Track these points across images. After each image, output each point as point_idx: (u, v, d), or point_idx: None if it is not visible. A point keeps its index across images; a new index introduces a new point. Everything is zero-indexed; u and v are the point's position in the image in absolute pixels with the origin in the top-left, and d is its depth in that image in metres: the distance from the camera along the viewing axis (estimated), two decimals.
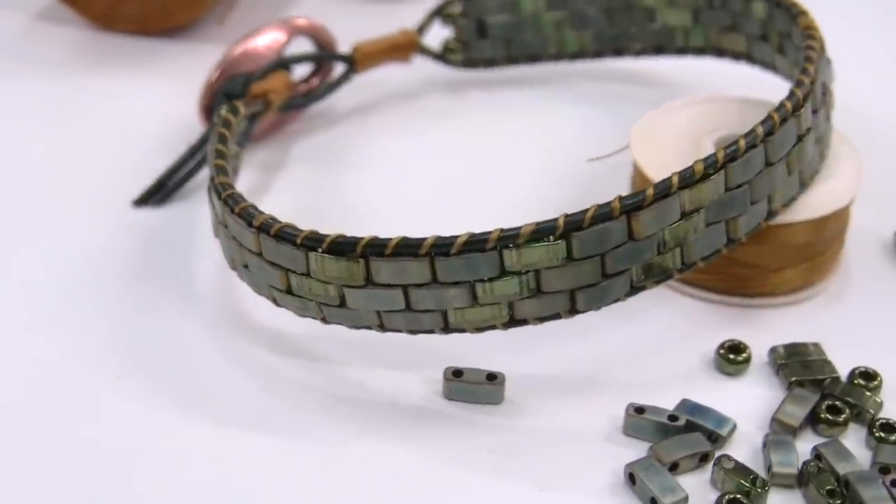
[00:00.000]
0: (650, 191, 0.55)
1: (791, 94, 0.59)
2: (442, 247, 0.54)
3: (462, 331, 0.56)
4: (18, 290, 0.63)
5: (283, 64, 0.71)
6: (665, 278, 0.57)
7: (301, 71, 0.74)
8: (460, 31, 0.76)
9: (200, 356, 0.60)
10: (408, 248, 0.54)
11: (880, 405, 0.58)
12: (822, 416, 0.57)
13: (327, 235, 0.55)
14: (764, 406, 0.58)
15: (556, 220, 0.54)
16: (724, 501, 0.53)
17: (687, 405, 0.57)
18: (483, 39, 0.76)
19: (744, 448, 0.56)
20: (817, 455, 0.55)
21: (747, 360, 0.60)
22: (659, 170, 0.63)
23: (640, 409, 0.57)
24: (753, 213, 0.59)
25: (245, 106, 0.67)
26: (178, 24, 0.81)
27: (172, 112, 0.75)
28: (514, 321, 0.56)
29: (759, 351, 0.61)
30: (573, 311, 0.56)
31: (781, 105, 0.59)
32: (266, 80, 0.70)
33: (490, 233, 0.54)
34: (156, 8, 0.80)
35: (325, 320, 0.57)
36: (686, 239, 0.57)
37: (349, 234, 0.55)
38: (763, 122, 0.58)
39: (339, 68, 0.74)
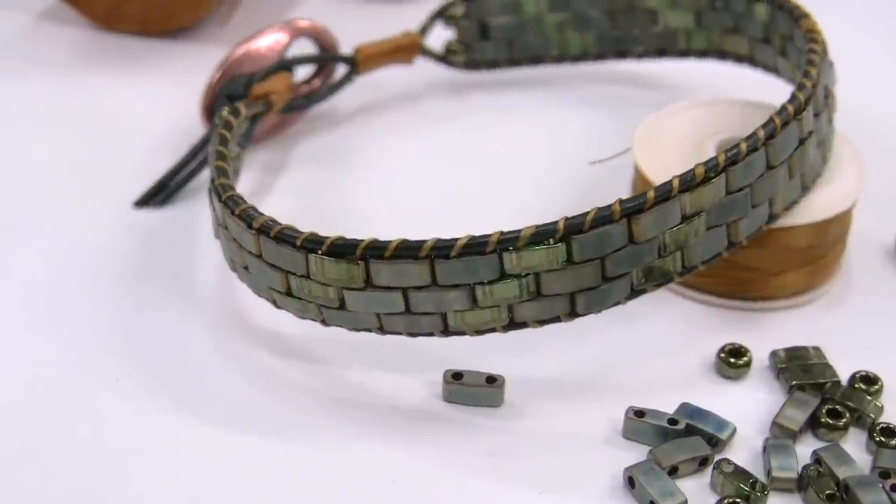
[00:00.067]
0: (651, 194, 0.55)
1: (793, 98, 0.59)
2: (442, 249, 0.54)
3: (462, 333, 0.56)
4: (18, 290, 0.63)
5: (284, 65, 0.71)
6: (665, 282, 0.57)
7: (303, 72, 0.74)
8: (462, 32, 0.76)
9: (200, 357, 0.60)
10: (407, 250, 0.54)
11: (881, 409, 0.58)
12: (823, 420, 0.57)
13: (327, 237, 0.55)
14: (764, 410, 0.58)
15: (556, 223, 0.54)
16: None
17: (687, 409, 0.57)
18: (485, 41, 0.76)
19: (744, 452, 0.56)
20: (817, 459, 0.55)
21: (748, 364, 0.60)
22: (660, 173, 0.63)
23: (639, 413, 0.57)
24: (754, 217, 0.59)
25: (246, 107, 0.67)
26: (180, 25, 0.81)
27: (174, 113, 0.75)
28: (513, 324, 0.56)
29: (759, 354, 0.61)
30: (573, 314, 0.56)
31: (783, 108, 0.59)
32: (268, 82, 0.70)
33: (490, 235, 0.54)
34: (158, 8, 0.80)
35: (324, 322, 0.57)
36: (687, 242, 0.57)
37: (350, 236, 0.55)
38: (764, 126, 0.58)
39: (340, 70, 0.74)
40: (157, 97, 0.77)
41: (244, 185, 0.69)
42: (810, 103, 0.60)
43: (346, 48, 0.75)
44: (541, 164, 0.72)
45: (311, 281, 0.56)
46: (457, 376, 0.58)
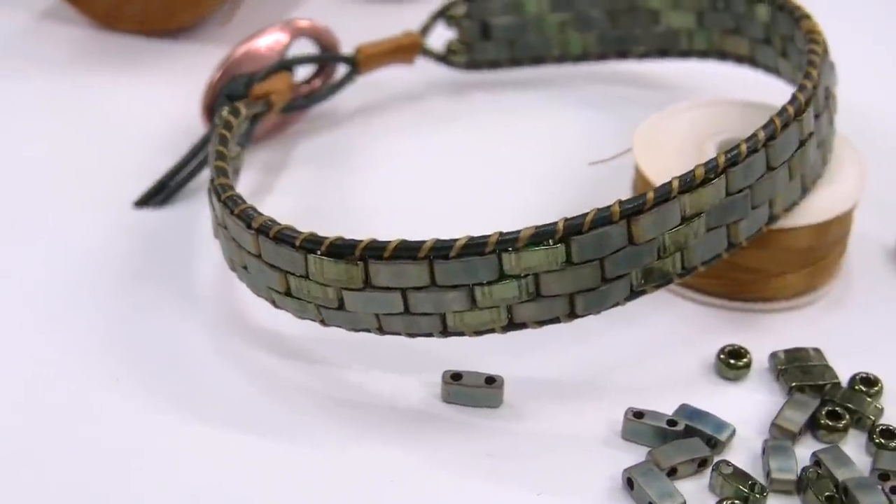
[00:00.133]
0: (650, 195, 0.55)
1: (793, 99, 0.59)
2: (441, 250, 0.54)
3: (461, 334, 0.56)
4: (18, 289, 0.63)
5: (285, 65, 0.71)
6: (665, 283, 0.57)
7: (303, 72, 0.74)
8: (464, 32, 0.76)
9: (199, 357, 0.60)
10: (406, 250, 0.54)
11: (881, 411, 0.58)
12: (822, 421, 0.57)
13: (326, 238, 0.55)
14: (764, 411, 0.58)
15: (555, 223, 0.54)
16: None
17: (686, 410, 0.57)
18: (487, 41, 0.76)
19: (743, 453, 0.56)
20: (816, 461, 0.55)
21: (747, 365, 0.60)
22: (661, 173, 0.63)
23: (638, 414, 0.56)
24: (754, 218, 0.58)
25: (246, 107, 0.67)
26: (180, 25, 0.81)
27: (174, 112, 0.75)
28: (512, 325, 0.56)
29: (759, 356, 0.61)
30: (572, 315, 0.56)
31: (783, 109, 0.59)
32: (268, 82, 0.70)
33: (489, 236, 0.54)
34: (158, 8, 0.80)
35: (323, 322, 0.57)
36: (686, 243, 0.56)
37: (351, 236, 0.55)
38: (765, 127, 0.58)
39: (341, 70, 0.74)
40: (158, 96, 0.77)
41: (245, 185, 0.69)
42: (811, 104, 0.60)
43: (346, 48, 0.74)
44: (542, 164, 0.72)
45: (310, 281, 0.56)
46: (456, 377, 0.58)
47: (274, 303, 0.58)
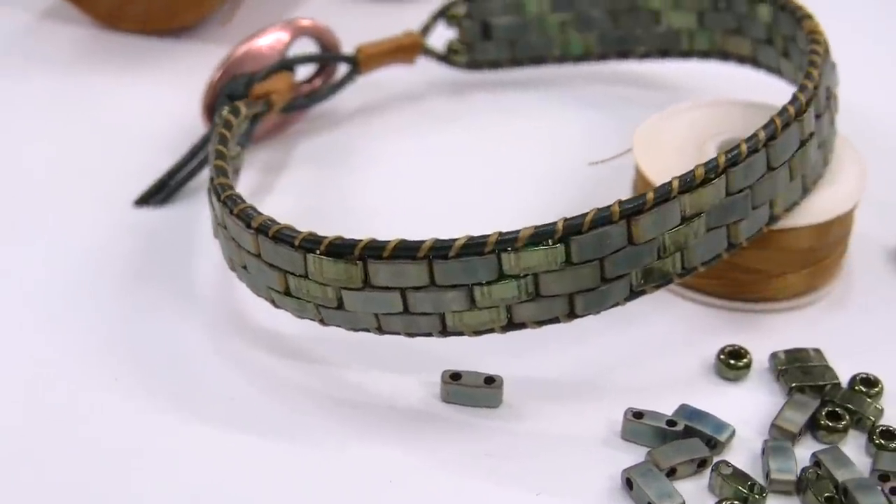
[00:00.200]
0: (650, 195, 0.55)
1: (794, 99, 0.59)
2: (440, 250, 0.54)
3: (460, 334, 0.56)
4: (19, 288, 0.63)
5: (286, 65, 0.71)
6: (665, 283, 0.57)
7: (304, 72, 0.74)
8: (464, 32, 0.76)
9: (199, 357, 0.60)
10: (406, 250, 0.54)
11: (881, 412, 0.58)
12: (822, 422, 0.57)
13: (325, 237, 0.55)
14: (764, 412, 0.58)
15: (554, 223, 0.54)
16: None
17: (686, 410, 0.57)
18: (487, 41, 0.76)
19: (743, 454, 0.56)
20: (816, 462, 0.55)
21: (747, 366, 0.60)
22: (661, 174, 0.62)
23: (638, 414, 0.56)
24: (755, 218, 0.58)
25: (247, 106, 0.67)
26: (183, 24, 0.81)
27: (176, 112, 0.75)
28: (512, 325, 0.56)
29: (760, 356, 0.60)
30: (572, 315, 0.56)
31: (784, 109, 0.58)
32: (269, 81, 0.70)
33: (488, 236, 0.54)
34: (161, 8, 0.80)
35: (323, 322, 0.57)
36: (686, 243, 0.56)
37: (351, 235, 0.55)
38: (765, 127, 0.57)
39: (342, 69, 0.74)
40: (159, 96, 0.77)
41: (245, 185, 0.69)
42: (812, 105, 0.60)
43: (347, 48, 0.74)
44: (542, 164, 0.72)
45: (310, 281, 0.56)
46: (455, 377, 0.58)
47: (273, 302, 0.58)
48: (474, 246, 0.54)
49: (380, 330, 0.56)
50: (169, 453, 0.56)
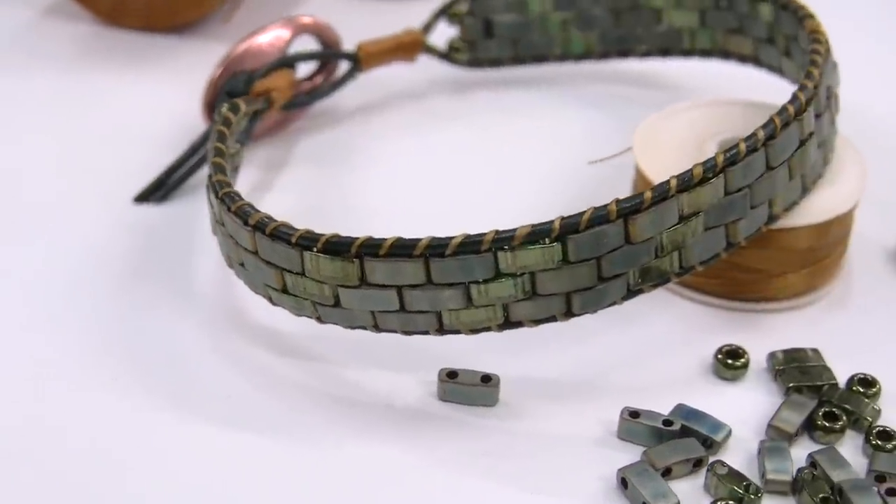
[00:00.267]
0: (648, 194, 0.55)
1: (794, 98, 0.59)
2: (437, 248, 0.54)
3: (457, 332, 0.56)
4: (18, 286, 0.63)
5: (286, 62, 0.71)
6: (663, 282, 0.57)
7: (305, 69, 0.74)
8: (466, 30, 0.76)
9: (197, 355, 0.60)
10: (402, 248, 0.54)
11: (878, 413, 0.58)
12: (819, 422, 0.57)
13: (322, 235, 0.55)
14: (761, 412, 0.58)
15: (551, 222, 0.54)
16: None
17: (682, 410, 0.57)
18: (489, 39, 0.76)
19: (739, 454, 0.56)
20: (812, 462, 0.55)
21: (745, 366, 0.59)
22: (660, 173, 0.62)
23: (634, 413, 0.56)
24: (753, 218, 0.58)
25: (246, 104, 0.67)
26: (184, 21, 0.81)
27: (178, 109, 0.75)
28: (508, 323, 0.56)
29: (759, 356, 0.60)
30: (569, 313, 0.56)
31: (783, 109, 0.58)
32: (269, 78, 0.69)
33: (485, 234, 0.54)
34: (162, 5, 0.80)
35: (320, 320, 0.57)
36: (684, 243, 0.56)
37: (352, 234, 0.55)
38: (764, 126, 0.57)
39: (343, 67, 0.74)
40: (161, 93, 0.77)
41: (246, 182, 0.69)
42: (811, 104, 0.59)
43: (348, 45, 0.74)
44: (543, 163, 0.72)
45: (307, 278, 0.56)
46: (452, 375, 0.58)
47: (271, 300, 0.58)
48: (471, 244, 0.54)
49: (376, 328, 0.56)
50: (166, 451, 0.56)
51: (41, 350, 0.60)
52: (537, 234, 0.54)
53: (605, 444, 0.56)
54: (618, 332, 0.61)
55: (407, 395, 0.58)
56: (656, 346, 0.61)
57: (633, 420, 0.56)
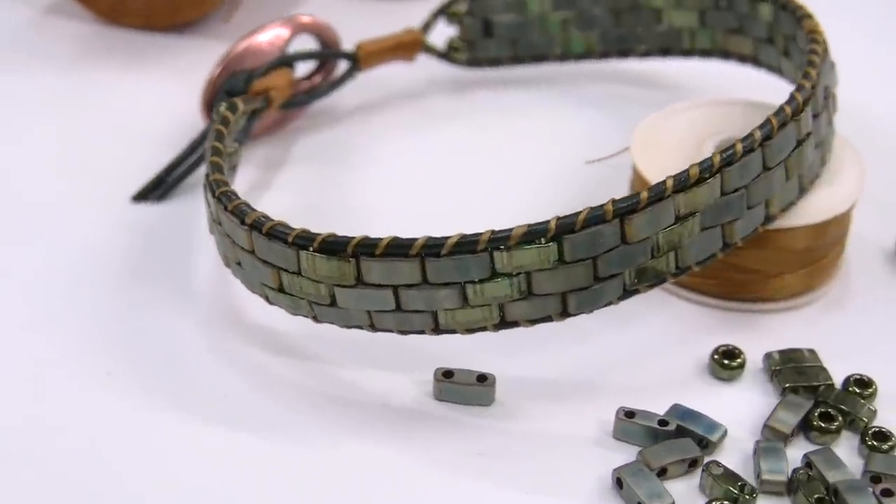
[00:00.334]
0: (644, 194, 0.55)
1: (791, 99, 0.59)
2: (433, 248, 0.54)
3: (452, 332, 0.56)
4: (18, 285, 0.63)
5: (285, 61, 0.71)
6: (659, 282, 0.57)
7: (304, 68, 0.74)
8: (466, 30, 0.76)
9: (194, 354, 0.60)
10: (398, 248, 0.54)
11: (874, 413, 0.57)
12: (815, 423, 0.57)
13: (318, 234, 0.55)
14: (757, 412, 0.58)
15: (547, 222, 0.54)
16: None
17: (678, 410, 0.57)
18: (488, 38, 0.76)
19: (735, 454, 0.56)
20: (808, 463, 0.55)
21: (741, 366, 0.59)
22: (659, 173, 0.62)
23: (630, 413, 0.56)
24: (750, 218, 0.58)
25: (244, 103, 0.67)
26: (185, 20, 0.81)
27: (178, 108, 0.75)
28: (504, 323, 0.56)
29: (756, 357, 0.60)
30: (565, 313, 0.56)
31: (780, 109, 0.58)
32: (268, 77, 0.70)
33: (481, 234, 0.54)
34: (163, 3, 0.80)
35: (316, 319, 0.57)
36: (681, 243, 0.56)
37: (350, 233, 0.55)
38: (761, 126, 0.57)
39: (342, 66, 0.74)
40: (162, 92, 0.77)
41: (244, 181, 0.69)
42: (809, 104, 0.59)
43: (347, 44, 0.74)
44: (543, 162, 0.72)
45: (303, 278, 0.56)
46: (447, 374, 0.58)
47: (267, 299, 0.58)
48: (467, 244, 0.54)
49: (372, 327, 0.56)
50: (162, 450, 0.56)
51: (40, 349, 0.60)
52: (533, 234, 0.54)
53: (601, 444, 0.56)
54: (614, 332, 0.61)
55: (403, 395, 0.58)
56: (653, 347, 0.61)
57: (628, 420, 0.56)
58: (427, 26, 0.75)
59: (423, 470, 0.55)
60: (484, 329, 0.56)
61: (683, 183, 0.55)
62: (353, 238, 0.54)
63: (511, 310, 0.55)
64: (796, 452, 0.56)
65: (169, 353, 0.60)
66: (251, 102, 0.68)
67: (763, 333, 0.62)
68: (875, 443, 0.56)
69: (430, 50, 0.76)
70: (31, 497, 0.54)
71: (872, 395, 0.58)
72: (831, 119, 0.63)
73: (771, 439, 0.56)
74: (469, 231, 0.54)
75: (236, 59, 0.70)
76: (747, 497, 0.53)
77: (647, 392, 0.58)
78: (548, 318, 0.56)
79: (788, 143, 0.58)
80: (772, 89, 0.69)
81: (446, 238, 0.54)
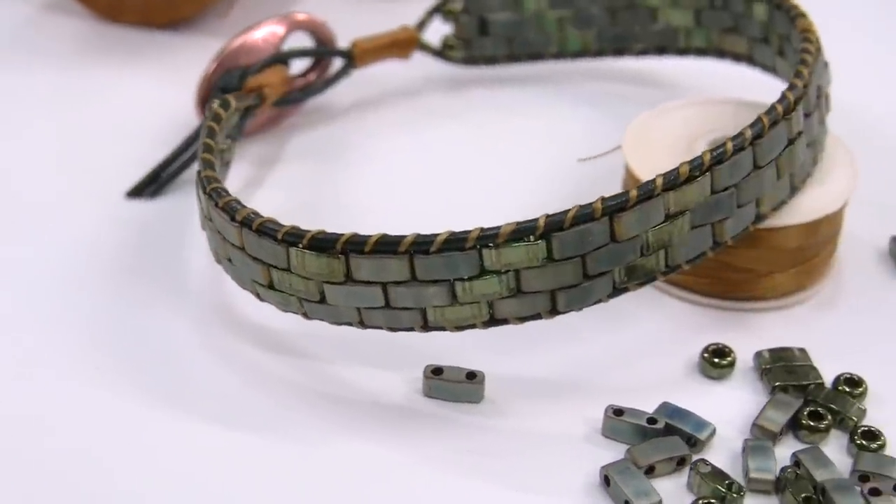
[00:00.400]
0: (633, 192, 0.55)
1: (782, 97, 0.59)
2: (422, 245, 0.54)
3: (442, 329, 0.56)
4: (9, 280, 0.64)
5: (280, 58, 0.71)
6: (648, 280, 0.57)
7: (299, 65, 0.74)
8: (461, 28, 0.76)
9: (187, 351, 0.60)
10: (387, 245, 0.54)
11: (864, 412, 0.57)
12: (804, 422, 0.57)
13: (308, 231, 0.55)
14: (747, 411, 0.58)
15: (536, 220, 0.54)
16: None
17: (667, 408, 0.57)
18: (484, 37, 0.76)
19: (723, 453, 0.56)
20: (796, 461, 0.55)
21: (731, 364, 0.59)
22: (650, 172, 0.62)
23: (618, 411, 0.56)
24: (740, 217, 0.58)
25: (237, 99, 0.67)
26: (182, 17, 0.81)
27: (176, 105, 0.75)
28: (494, 320, 0.56)
29: (747, 355, 0.60)
30: (554, 311, 0.56)
31: (772, 108, 0.58)
32: (263, 74, 0.70)
33: (470, 232, 0.54)
34: (160, 1, 0.80)
35: (306, 315, 0.57)
36: (670, 241, 0.56)
37: (344, 231, 0.55)
38: (752, 125, 0.57)
39: (337, 64, 0.74)
40: (160, 89, 0.77)
41: (237, 178, 0.69)
42: (801, 103, 0.59)
43: (342, 42, 0.74)
44: (538, 161, 0.72)
45: (292, 274, 0.56)
46: (437, 371, 0.58)
47: (258, 295, 0.58)
48: (455, 241, 0.54)
49: (362, 324, 0.57)
50: (154, 447, 0.56)
51: (32, 346, 0.60)
52: (522, 232, 0.54)
53: (590, 441, 0.56)
54: (606, 331, 0.61)
55: (393, 392, 0.58)
56: (644, 345, 0.61)
57: (617, 418, 0.56)
58: (423, 24, 0.75)
59: (413, 467, 0.56)
60: (473, 326, 0.56)
61: (673, 181, 0.55)
62: (343, 235, 0.55)
63: (500, 307, 0.55)
64: (785, 451, 0.56)
65: (161, 349, 0.60)
66: (244, 99, 0.68)
67: (754, 332, 0.62)
68: (864, 442, 0.56)
69: (425, 48, 0.76)
70: (23, 495, 0.54)
71: (862, 395, 0.58)
72: (824, 118, 0.63)
73: (759, 438, 0.56)
74: (461, 228, 0.54)
75: (231, 55, 0.70)
76: (735, 496, 0.53)
77: (637, 390, 0.58)
78: (537, 316, 0.56)
79: (779, 141, 0.58)
80: (766, 88, 0.69)
81: (435, 235, 0.54)
